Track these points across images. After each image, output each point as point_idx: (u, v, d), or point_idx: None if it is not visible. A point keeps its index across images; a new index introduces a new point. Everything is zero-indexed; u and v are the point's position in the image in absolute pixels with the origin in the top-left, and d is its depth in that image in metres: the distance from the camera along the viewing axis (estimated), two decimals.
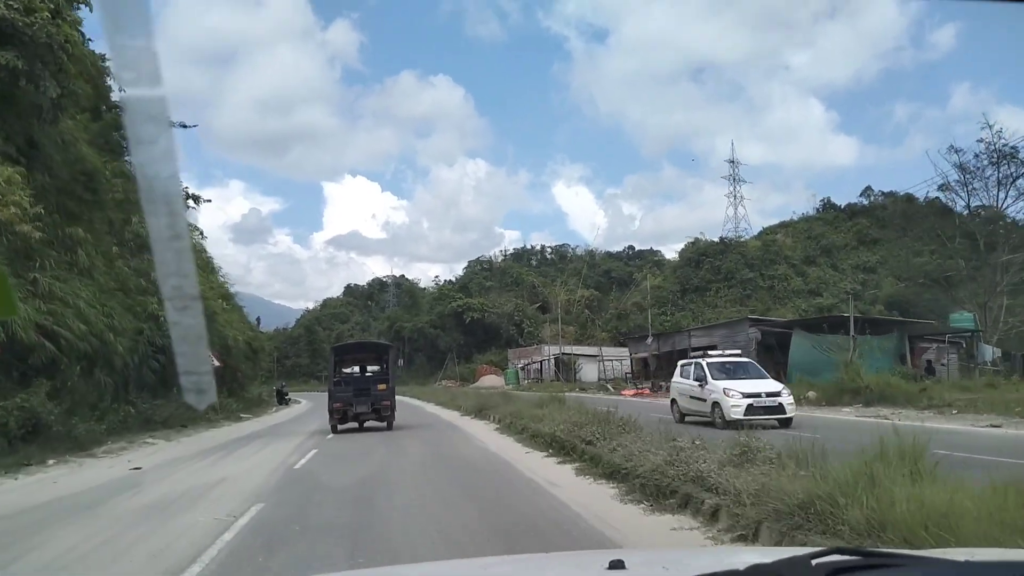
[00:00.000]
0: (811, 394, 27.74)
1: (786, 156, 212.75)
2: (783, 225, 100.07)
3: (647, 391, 40.67)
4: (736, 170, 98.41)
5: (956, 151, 44.62)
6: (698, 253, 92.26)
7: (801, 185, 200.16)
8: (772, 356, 36.16)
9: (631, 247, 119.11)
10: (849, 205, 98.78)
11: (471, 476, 11.54)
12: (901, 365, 30.70)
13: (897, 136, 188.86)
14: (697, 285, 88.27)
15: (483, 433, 18.76)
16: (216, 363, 30.71)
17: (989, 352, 33.02)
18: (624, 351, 61.84)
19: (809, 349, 31.85)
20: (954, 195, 46.72)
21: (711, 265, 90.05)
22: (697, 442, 9.96)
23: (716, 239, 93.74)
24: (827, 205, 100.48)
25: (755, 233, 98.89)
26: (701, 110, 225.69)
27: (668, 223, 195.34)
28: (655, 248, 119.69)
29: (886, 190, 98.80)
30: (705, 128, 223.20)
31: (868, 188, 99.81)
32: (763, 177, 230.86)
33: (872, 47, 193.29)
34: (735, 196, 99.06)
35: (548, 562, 2.50)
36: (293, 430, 23.56)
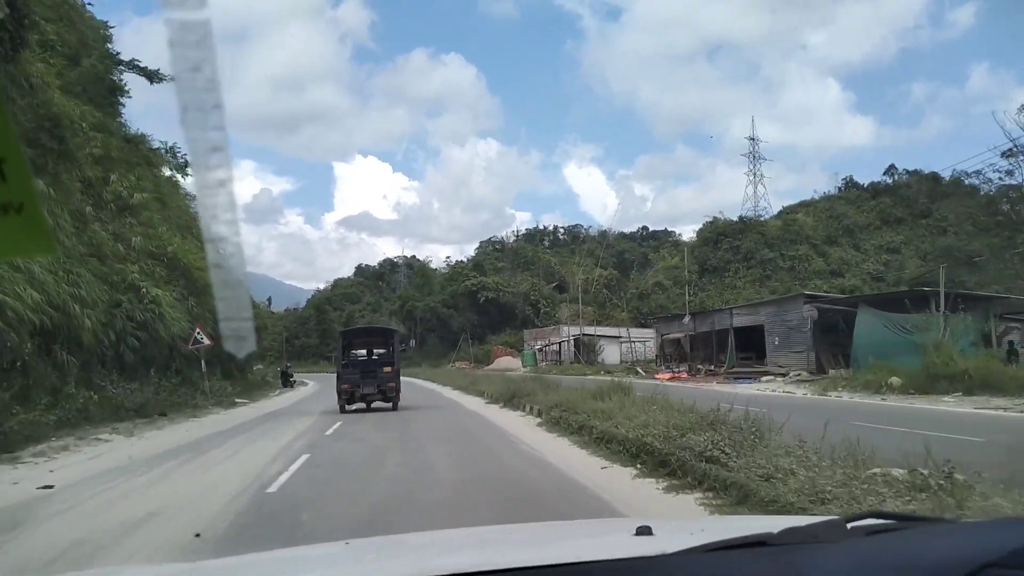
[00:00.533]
0: (894, 380, 23.19)
1: (801, 137, 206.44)
2: (803, 204, 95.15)
3: (684, 374, 36.17)
4: (756, 147, 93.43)
5: None
6: (716, 233, 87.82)
7: (816, 166, 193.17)
8: (829, 337, 31.58)
9: (645, 228, 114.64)
10: (872, 184, 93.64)
11: (540, 518, 7.01)
12: (986, 347, 26.04)
13: (914, 117, 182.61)
14: (715, 265, 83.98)
15: (524, 431, 14.23)
16: (207, 341, 26.40)
17: None
18: (648, 332, 57.36)
19: (879, 329, 27.20)
20: (1020, 160, 41.41)
21: (730, 245, 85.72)
22: (949, 467, 5.50)
23: (735, 218, 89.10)
24: (849, 184, 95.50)
25: (774, 213, 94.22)
26: (716, 90, 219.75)
27: (681, 204, 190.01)
28: (669, 229, 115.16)
29: (910, 169, 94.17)
30: (720, 108, 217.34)
31: (892, 167, 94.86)
32: (778, 158, 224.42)
33: (890, 26, 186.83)
34: (755, 174, 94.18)
35: (574, 529, 2.52)
36: (290, 421, 19.14)
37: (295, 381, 42.87)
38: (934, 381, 21.98)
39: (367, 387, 21.00)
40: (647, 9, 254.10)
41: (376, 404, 21.38)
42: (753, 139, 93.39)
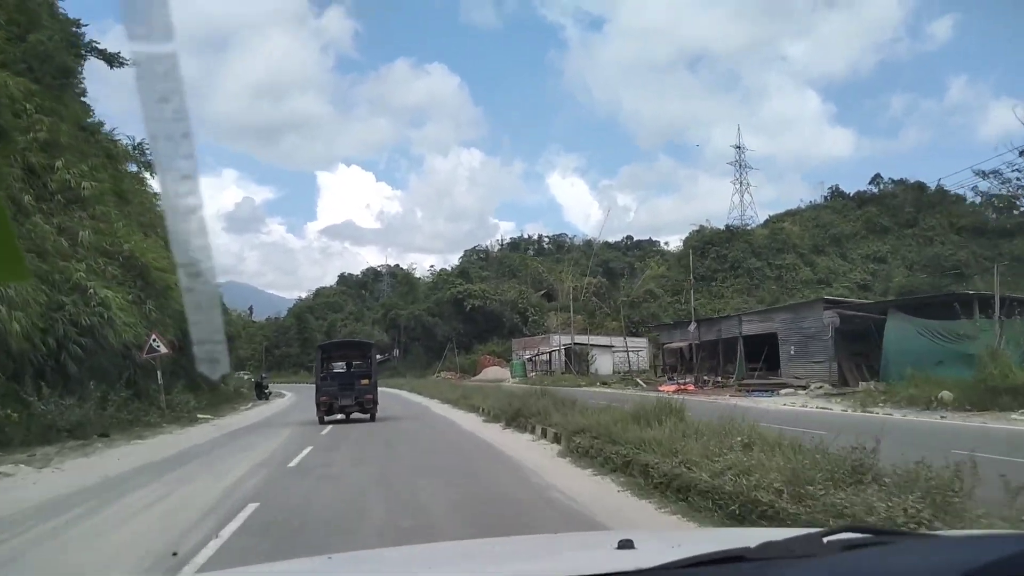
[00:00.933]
0: (945, 394, 20.05)
1: (782, 147, 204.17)
2: (790, 213, 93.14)
3: (691, 386, 32.85)
4: (742, 155, 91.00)
5: None
6: (703, 241, 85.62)
7: (797, 177, 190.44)
8: (850, 346, 28.43)
9: (629, 237, 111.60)
10: (858, 193, 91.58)
11: None
12: None
13: (893, 128, 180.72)
14: (703, 274, 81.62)
15: (547, 465, 10.74)
16: (164, 349, 22.94)
17: None
18: (640, 341, 54.24)
19: (912, 337, 24.08)
20: None
21: (717, 254, 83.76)
22: None
23: (721, 227, 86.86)
24: (835, 193, 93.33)
25: (760, 222, 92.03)
26: (697, 100, 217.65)
27: (664, 215, 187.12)
28: (653, 239, 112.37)
29: (895, 178, 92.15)
30: (701, 119, 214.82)
31: (877, 176, 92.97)
32: (758, 168, 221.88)
33: (870, 38, 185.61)
34: (741, 182, 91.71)
35: (558, 542, 2.50)
36: (251, 445, 15.62)
37: (270, 393, 39.11)
38: (994, 396, 18.84)
39: (345, 399, 21.09)
40: (629, 19, 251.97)
41: (355, 416, 21.31)
42: (739, 147, 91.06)
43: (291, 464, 11.63)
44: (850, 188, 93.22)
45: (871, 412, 20.10)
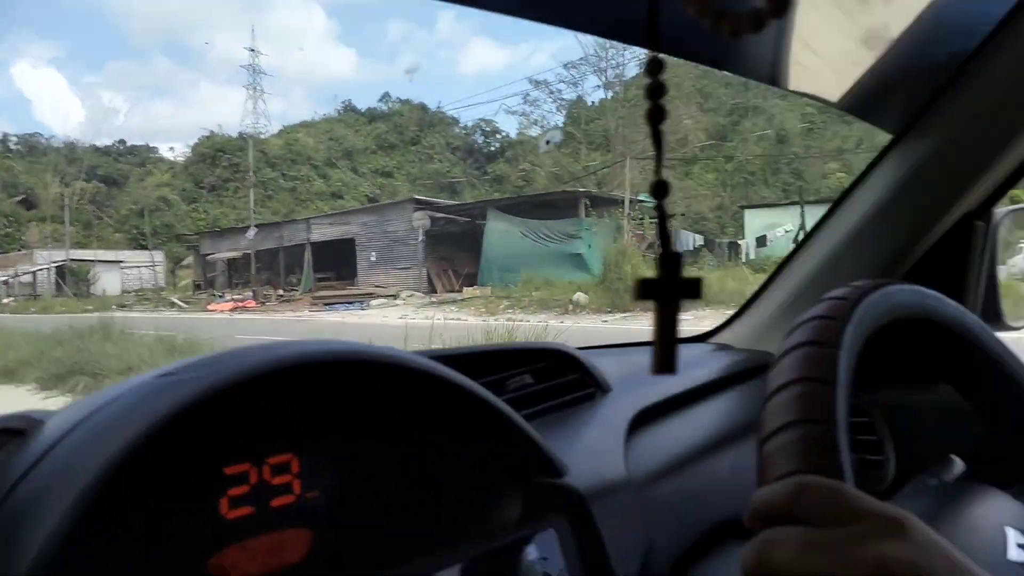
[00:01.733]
0: (580, 297, 17.85)
1: (289, 61, 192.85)
2: (305, 125, 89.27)
3: (252, 303, 26.29)
4: (256, 59, 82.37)
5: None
6: (214, 149, 76.80)
7: (304, 92, 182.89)
8: (439, 251, 25.26)
9: (122, 141, 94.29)
10: (369, 110, 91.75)
11: None
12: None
13: (392, 53, 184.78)
14: (213, 184, 73.75)
15: None
16: None
17: (691, 240, 26.74)
18: (154, 255, 44.72)
19: (516, 239, 21.71)
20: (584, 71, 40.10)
21: (229, 162, 75.84)
22: None
23: (235, 135, 78.96)
24: (348, 108, 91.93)
25: (275, 132, 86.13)
26: (199, 1, 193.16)
27: (162, 120, 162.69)
28: (151, 144, 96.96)
29: (403, 98, 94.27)
30: (204, 22, 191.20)
31: (386, 94, 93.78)
32: (271, 75, 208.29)
33: None
34: (255, 88, 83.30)
35: None
36: None
37: None
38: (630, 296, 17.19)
39: None
40: None
41: None
42: (253, 50, 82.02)
43: None
44: (362, 104, 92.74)
45: (516, 320, 16.97)
